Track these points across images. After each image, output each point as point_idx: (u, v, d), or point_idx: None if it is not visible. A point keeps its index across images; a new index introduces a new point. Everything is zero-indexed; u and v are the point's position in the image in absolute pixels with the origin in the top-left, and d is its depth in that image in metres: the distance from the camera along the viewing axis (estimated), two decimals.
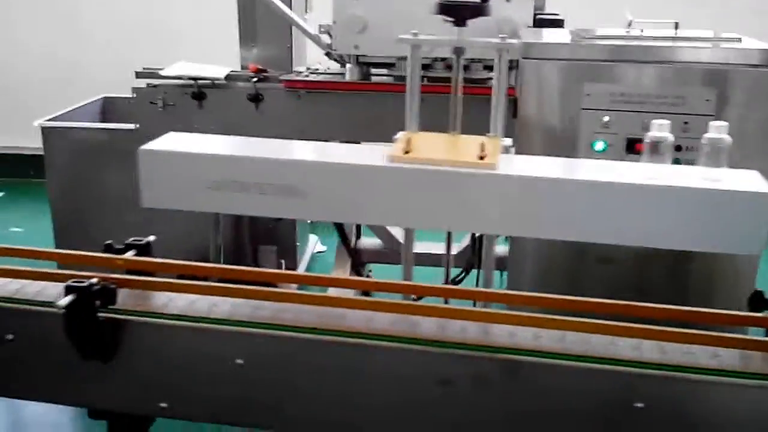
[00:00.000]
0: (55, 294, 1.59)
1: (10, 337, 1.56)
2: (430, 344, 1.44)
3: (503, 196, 1.28)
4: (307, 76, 3.32)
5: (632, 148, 2.27)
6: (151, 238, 1.72)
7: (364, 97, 3.27)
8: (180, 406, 1.55)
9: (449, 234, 1.93)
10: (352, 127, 3.29)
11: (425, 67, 3.22)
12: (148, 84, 3.41)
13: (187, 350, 1.51)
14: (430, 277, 3.10)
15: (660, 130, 1.87)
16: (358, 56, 3.20)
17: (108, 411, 1.63)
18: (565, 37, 2.47)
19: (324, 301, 1.53)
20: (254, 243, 3.98)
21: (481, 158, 1.34)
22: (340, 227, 1.89)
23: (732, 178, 1.33)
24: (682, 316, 1.50)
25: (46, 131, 3.68)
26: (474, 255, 2.76)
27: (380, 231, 3.82)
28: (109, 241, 1.69)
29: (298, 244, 4.11)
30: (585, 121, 2.29)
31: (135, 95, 3.35)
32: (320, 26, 3.34)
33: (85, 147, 3.68)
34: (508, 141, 1.47)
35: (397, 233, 3.86)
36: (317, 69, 3.47)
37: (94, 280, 1.48)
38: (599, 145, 2.28)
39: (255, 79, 3.29)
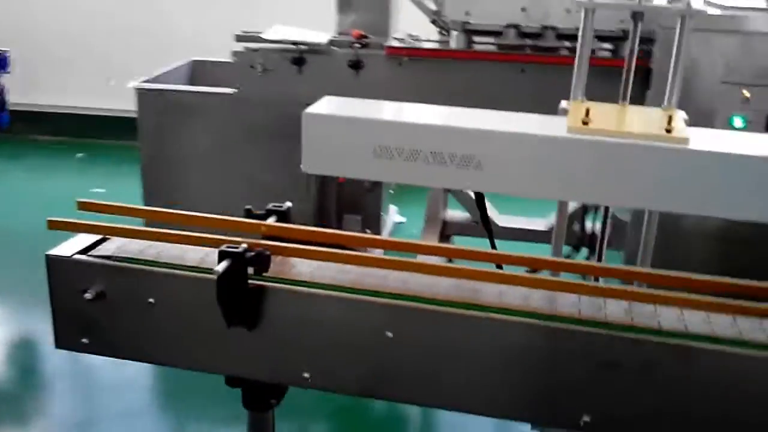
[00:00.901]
0: (196, 259, 1.57)
1: (152, 300, 1.54)
2: (594, 325, 1.37)
3: (699, 172, 1.19)
4: (410, 43, 3.24)
5: None
6: (288, 204, 1.68)
7: (468, 66, 3.19)
8: (323, 377, 1.51)
9: (607, 210, 1.84)
10: (454, 96, 3.18)
11: (534, 36, 3.12)
12: (246, 48, 3.37)
13: (335, 320, 1.46)
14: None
15: None
16: (464, 23, 3.11)
17: (244, 379, 1.61)
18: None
19: (476, 276, 1.47)
20: (340, 211, 3.94)
21: (668, 131, 1.25)
22: (481, 200, 1.78)
23: None
24: None
25: (141, 93, 3.67)
26: (583, 232, 2.67)
27: (468, 203, 3.75)
28: (248, 206, 1.65)
29: (382, 214, 4.06)
30: (724, 95, 2.18)
31: (235, 59, 3.31)
32: None
33: (179, 110, 3.67)
34: (683, 114, 1.38)
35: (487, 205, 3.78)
36: (418, 36, 3.39)
37: (245, 246, 1.44)
38: (738, 122, 2.16)
39: (358, 45, 3.22)
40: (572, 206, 3.65)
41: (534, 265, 1.49)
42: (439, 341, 1.43)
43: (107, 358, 2.97)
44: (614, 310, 1.42)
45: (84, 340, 1.60)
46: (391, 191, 4.28)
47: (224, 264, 1.38)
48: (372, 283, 1.48)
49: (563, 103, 1.53)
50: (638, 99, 2.06)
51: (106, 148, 5.98)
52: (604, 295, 1.43)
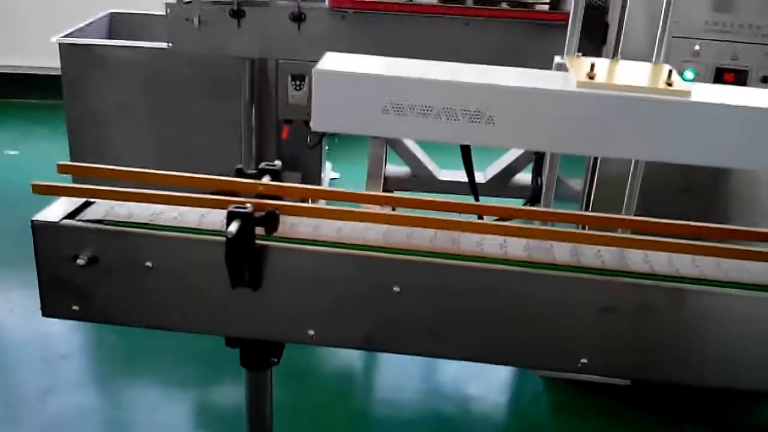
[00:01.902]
0: (194, 220, 1.55)
1: (149, 264, 1.50)
2: (593, 272, 1.44)
3: (701, 124, 1.27)
4: None
5: (720, 78, 2.28)
6: (279, 163, 1.67)
7: (413, 19, 3.18)
8: (328, 333, 1.52)
9: (594, 160, 1.90)
10: (398, 50, 3.19)
11: None
12: (179, 0, 3.24)
13: (342, 277, 1.48)
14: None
15: None
16: None
17: (244, 339, 1.61)
18: None
19: (474, 228, 1.51)
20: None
21: (669, 85, 1.32)
22: (467, 156, 1.80)
23: None
24: None
25: (65, 48, 3.49)
26: (538, 185, 2.76)
27: (409, 158, 3.79)
28: (239, 166, 1.64)
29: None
30: (674, 48, 2.28)
31: (168, 11, 3.18)
32: None
33: (109, 65, 3.52)
34: (672, 68, 1.45)
35: (426, 160, 3.84)
36: None
37: (251, 206, 1.42)
38: (688, 75, 2.27)
39: None
40: (509, 159, 3.76)
41: (527, 215, 1.55)
42: (444, 293, 1.47)
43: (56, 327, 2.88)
44: (608, 256, 1.50)
45: (74, 307, 1.55)
46: (326, 147, 4.26)
47: (236, 225, 1.37)
48: (375, 238, 1.51)
49: (557, 59, 1.57)
50: (593, 53, 2.11)
51: (8, 108, 5.66)
52: (598, 243, 1.50)
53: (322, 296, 1.50)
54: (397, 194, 1.55)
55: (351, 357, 3.15)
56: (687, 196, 2.36)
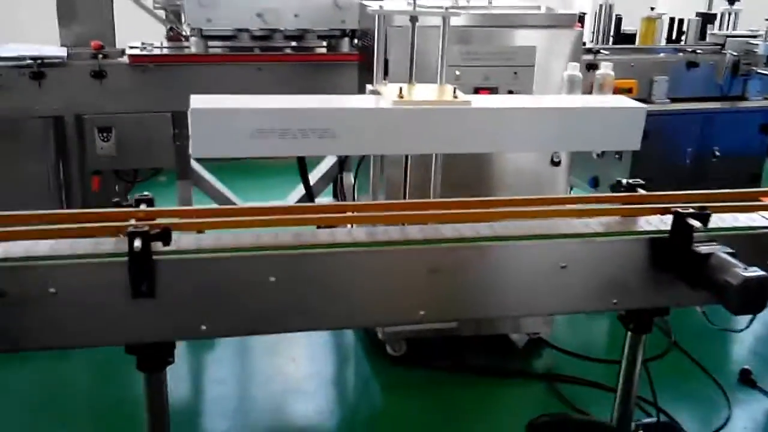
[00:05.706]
0: (89, 247, 1.78)
1: (53, 290, 1.71)
2: (420, 243, 1.90)
3: (478, 123, 1.78)
4: (151, 51, 3.47)
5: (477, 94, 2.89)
6: (148, 194, 1.95)
7: (207, 68, 3.52)
8: (218, 326, 1.82)
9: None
10: None
11: (265, 38, 3.57)
12: None
13: (227, 276, 1.79)
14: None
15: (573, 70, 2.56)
16: (202, 30, 3.44)
17: (140, 344, 1.85)
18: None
19: (324, 222, 1.91)
20: None
21: (455, 98, 1.82)
22: (303, 167, 2.18)
23: (614, 101, 1.96)
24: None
25: None
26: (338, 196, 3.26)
27: (215, 194, 4.10)
28: (116, 199, 1.90)
29: None
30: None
31: None
32: (154, 3, 3.52)
33: None
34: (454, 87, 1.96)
35: (230, 195, 4.17)
36: (152, 44, 3.62)
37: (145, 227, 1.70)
38: None
39: (100, 56, 3.37)
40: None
41: (369, 209, 1.97)
42: (311, 276, 1.84)
43: None
44: (429, 230, 1.97)
45: None
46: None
47: (139, 241, 1.64)
48: (249, 241, 1.84)
49: (368, 87, 2.02)
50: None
51: None
52: (420, 222, 1.96)
53: (210, 295, 1.80)
54: (249, 204, 1.89)
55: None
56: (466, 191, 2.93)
